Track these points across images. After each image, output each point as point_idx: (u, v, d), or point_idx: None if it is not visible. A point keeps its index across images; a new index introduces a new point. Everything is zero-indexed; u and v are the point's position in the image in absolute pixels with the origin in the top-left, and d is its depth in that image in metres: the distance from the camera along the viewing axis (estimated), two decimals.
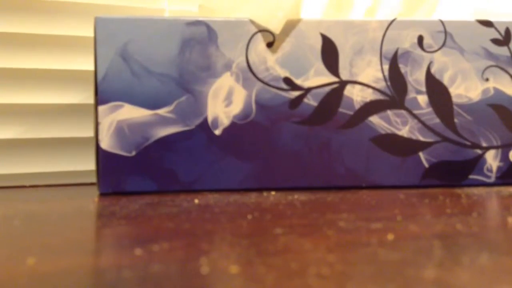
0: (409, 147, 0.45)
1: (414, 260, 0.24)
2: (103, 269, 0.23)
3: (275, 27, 0.43)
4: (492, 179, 0.46)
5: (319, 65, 0.44)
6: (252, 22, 0.43)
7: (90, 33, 0.49)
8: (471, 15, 0.51)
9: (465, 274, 0.22)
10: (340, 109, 0.44)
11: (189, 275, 0.22)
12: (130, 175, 0.42)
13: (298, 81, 0.44)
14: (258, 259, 0.24)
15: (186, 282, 0.21)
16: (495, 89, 0.45)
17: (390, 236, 0.28)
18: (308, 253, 0.25)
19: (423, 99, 0.45)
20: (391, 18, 0.45)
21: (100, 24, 0.42)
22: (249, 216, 0.33)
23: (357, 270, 0.23)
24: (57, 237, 0.29)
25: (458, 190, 0.43)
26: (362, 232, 0.29)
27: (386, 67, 0.44)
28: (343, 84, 0.44)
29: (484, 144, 0.45)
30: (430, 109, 0.45)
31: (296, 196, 0.41)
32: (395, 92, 0.44)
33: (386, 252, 0.25)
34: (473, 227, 0.30)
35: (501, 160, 0.46)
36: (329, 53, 0.44)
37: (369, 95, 0.44)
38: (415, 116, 0.45)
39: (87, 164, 0.50)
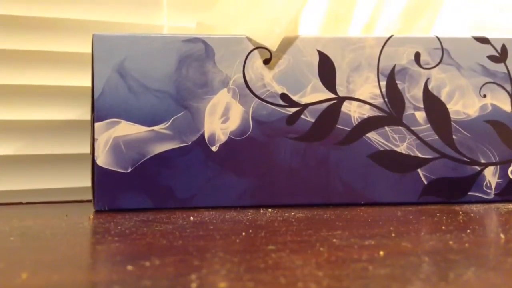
0: (407, 163, 0.45)
1: (402, 276, 0.24)
2: (94, 283, 0.23)
3: (272, 44, 0.43)
4: (491, 196, 0.45)
5: (316, 81, 0.44)
6: (249, 39, 0.43)
7: (88, 50, 0.49)
8: (468, 31, 0.51)
9: None
10: (338, 126, 0.44)
11: None
12: (126, 192, 0.42)
13: (295, 98, 0.44)
14: (248, 275, 0.24)
15: None
16: (493, 105, 0.45)
17: (381, 253, 0.28)
18: (297, 269, 0.25)
19: (421, 115, 0.45)
20: (389, 35, 0.45)
21: (97, 41, 0.42)
22: (243, 233, 0.33)
23: (344, 285, 0.23)
24: (51, 253, 0.30)
25: (457, 207, 0.43)
26: (354, 248, 0.29)
27: (383, 83, 0.44)
28: (340, 100, 0.44)
29: (482, 161, 0.45)
30: (428, 126, 0.45)
31: (292, 213, 0.40)
32: (393, 108, 0.44)
33: (375, 268, 0.25)
34: (465, 243, 0.30)
35: (500, 177, 0.45)
36: (326, 70, 0.44)
37: (366, 112, 0.44)
38: (413, 133, 0.44)
39: (84, 181, 0.50)
